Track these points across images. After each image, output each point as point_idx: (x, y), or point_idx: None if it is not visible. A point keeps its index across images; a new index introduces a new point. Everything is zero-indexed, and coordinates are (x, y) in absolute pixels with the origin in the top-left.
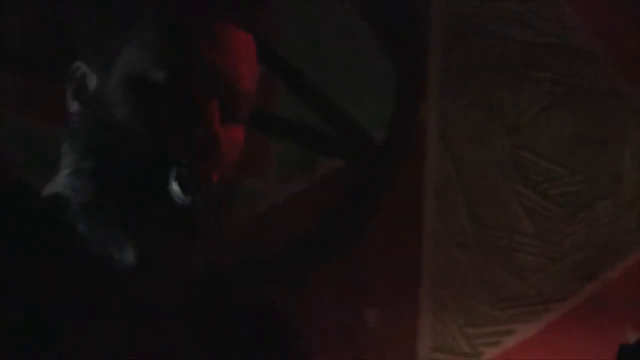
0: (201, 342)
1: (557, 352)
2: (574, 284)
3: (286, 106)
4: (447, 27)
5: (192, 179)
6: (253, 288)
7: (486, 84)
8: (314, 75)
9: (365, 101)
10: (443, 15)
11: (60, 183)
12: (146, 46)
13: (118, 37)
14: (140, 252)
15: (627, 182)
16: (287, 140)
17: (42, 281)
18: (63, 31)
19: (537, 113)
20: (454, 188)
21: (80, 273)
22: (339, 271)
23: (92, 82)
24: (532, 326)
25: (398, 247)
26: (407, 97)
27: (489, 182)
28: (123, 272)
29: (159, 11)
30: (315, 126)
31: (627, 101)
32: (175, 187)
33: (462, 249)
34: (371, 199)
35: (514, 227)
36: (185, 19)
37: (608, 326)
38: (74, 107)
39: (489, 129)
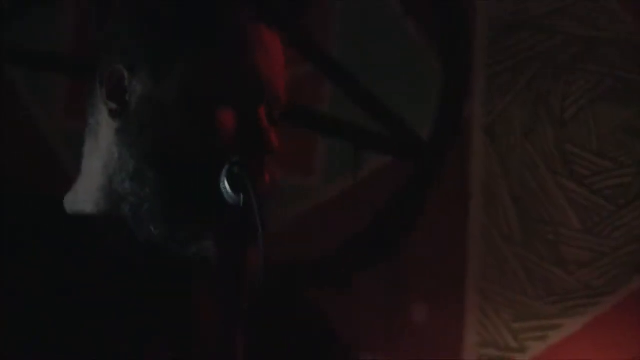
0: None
1: (603, 347)
2: (621, 277)
3: (333, 104)
4: (493, 22)
5: (243, 176)
6: (300, 292)
7: (532, 78)
8: (360, 73)
9: (411, 98)
10: (488, 10)
11: (114, 189)
12: (203, 60)
13: (170, 48)
14: (218, 242)
15: None
16: (333, 138)
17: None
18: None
19: (584, 106)
20: (500, 183)
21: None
22: (385, 268)
23: (135, 87)
24: (578, 320)
25: (444, 242)
26: (453, 93)
27: (535, 177)
28: (205, 264)
29: (215, 25)
30: (362, 123)
31: None
32: (226, 185)
33: (508, 244)
34: (418, 195)
35: (561, 221)
36: (240, 30)
37: None
38: (111, 105)
39: (535, 123)
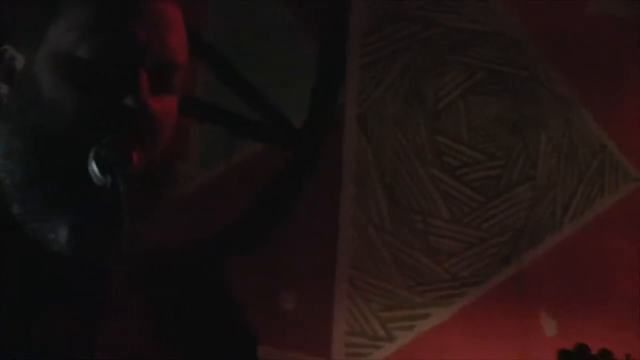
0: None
1: (470, 336)
2: (489, 268)
3: (208, 90)
4: (369, 12)
5: (110, 158)
6: (204, 266)
7: (406, 69)
8: (235, 60)
9: (286, 85)
10: (364, 0)
11: None
12: (72, 23)
13: (44, 17)
14: (73, 232)
15: (543, 168)
16: (208, 124)
17: None
18: None
19: (456, 98)
20: (372, 171)
21: (19, 256)
22: (255, 254)
23: (20, 63)
24: (446, 310)
25: (315, 230)
26: (327, 81)
27: (406, 166)
28: (57, 253)
29: None
30: (237, 110)
31: (545, 87)
32: (94, 168)
33: (378, 232)
34: (292, 182)
35: (431, 211)
36: None
37: (522, 310)
38: (3, 89)
39: (408, 114)
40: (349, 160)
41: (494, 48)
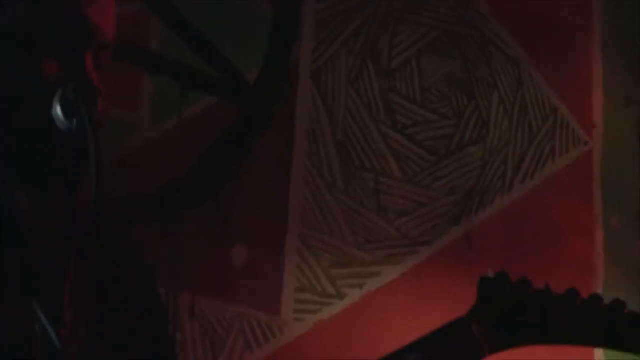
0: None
1: (419, 295)
2: (438, 228)
3: (162, 43)
4: None
5: (77, 99)
6: (113, 225)
7: (361, 26)
8: (189, 13)
9: (240, 40)
10: None
11: None
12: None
13: None
14: (31, 194)
15: (494, 129)
16: (161, 77)
17: None
18: None
19: (410, 57)
20: (324, 129)
21: None
22: (208, 209)
23: None
24: (396, 268)
25: (267, 186)
26: (281, 37)
27: (358, 124)
28: (15, 216)
29: None
30: (190, 63)
31: (499, 48)
32: (58, 111)
33: (330, 190)
34: (243, 137)
35: (382, 169)
36: None
37: (471, 270)
38: None
39: (361, 72)
40: (302, 117)
41: (445, 7)
